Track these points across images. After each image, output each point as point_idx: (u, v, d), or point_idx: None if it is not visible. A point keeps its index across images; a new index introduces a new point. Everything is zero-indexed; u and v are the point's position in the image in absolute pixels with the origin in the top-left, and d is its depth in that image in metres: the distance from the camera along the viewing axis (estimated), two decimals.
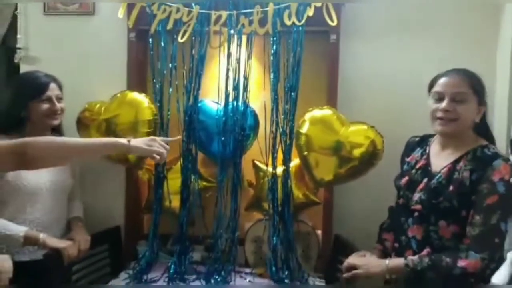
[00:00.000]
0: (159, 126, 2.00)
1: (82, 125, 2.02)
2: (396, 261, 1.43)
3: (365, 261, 1.50)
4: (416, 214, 1.43)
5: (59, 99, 1.88)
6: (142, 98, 1.97)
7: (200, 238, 2.11)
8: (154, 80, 2.04)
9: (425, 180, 1.44)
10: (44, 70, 1.90)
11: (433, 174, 1.44)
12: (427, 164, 1.48)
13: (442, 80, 1.43)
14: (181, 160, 2.03)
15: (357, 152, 1.83)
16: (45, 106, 1.84)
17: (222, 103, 1.99)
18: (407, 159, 1.57)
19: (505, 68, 1.88)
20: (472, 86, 1.39)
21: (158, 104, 2.02)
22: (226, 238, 2.02)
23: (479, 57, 1.97)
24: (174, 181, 2.06)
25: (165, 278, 1.94)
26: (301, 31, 1.92)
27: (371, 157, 1.82)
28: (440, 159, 1.46)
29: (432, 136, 1.54)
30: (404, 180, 1.51)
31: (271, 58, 1.96)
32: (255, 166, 2.09)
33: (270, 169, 1.99)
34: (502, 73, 1.91)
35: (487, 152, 1.37)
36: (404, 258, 1.41)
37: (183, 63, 2.01)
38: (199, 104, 2.02)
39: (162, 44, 2.01)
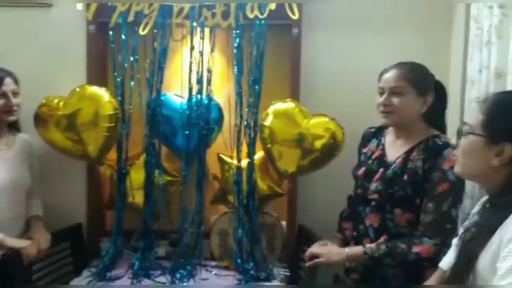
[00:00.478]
0: (120, 121, 1.96)
1: (40, 121, 1.96)
2: (355, 249, 1.47)
3: (326, 250, 1.54)
4: (373, 203, 1.48)
5: (15, 94, 1.82)
6: (102, 92, 1.93)
7: (165, 233, 2.10)
8: (115, 74, 2.00)
9: (381, 170, 1.49)
10: None
11: (389, 164, 1.48)
12: (383, 154, 1.53)
13: (384, 76, 1.49)
14: (145, 155, 2.00)
15: (318, 144, 1.86)
16: (0, 101, 1.77)
17: (186, 97, 1.97)
18: (364, 150, 1.61)
19: (457, 63, 1.96)
20: (408, 79, 1.44)
21: (120, 98, 1.98)
22: (191, 232, 2.01)
23: (433, 52, 2.04)
24: (137, 176, 2.04)
25: (129, 274, 1.91)
26: (264, 25, 1.93)
27: (332, 148, 1.86)
28: (394, 149, 1.51)
29: (387, 127, 1.59)
30: (361, 170, 1.55)
31: (234, 51, 1.96)
32: (220, 159, 2.10)
33: (235, 162, 2.00)
34: (455, 68, 1.99)
35: (438, 142, 1.43)
36: (363, 246, 1.46)
37: (145, 56, 1.98)
38: (162, 98, 1.99)
39: (123, 36, 1.97)
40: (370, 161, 1.54)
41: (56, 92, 2.00)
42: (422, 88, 1.46)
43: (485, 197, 1.05)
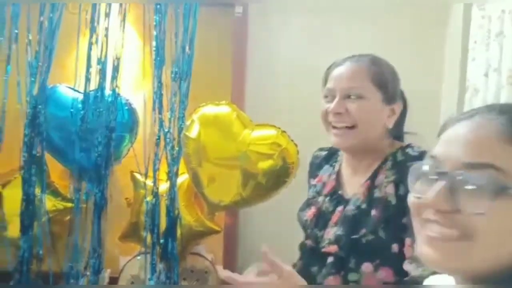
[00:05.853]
0: None
1: None
2: None
3: None
4: (330, 259, 0.97)
5: None
6: None
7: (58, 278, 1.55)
8: None
9: (339, 208, 0.99)
10: None
11: (348, 198, 0.99)
12: (338, 186, 1.03)
13: (334, 72, 0.99)
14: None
15: (262, 165, 1.35)
16: None
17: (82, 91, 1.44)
18: (313, 182, 1.11)
19: (453, 64, 1.49)
20: (372, 77, 0.96)
21: None
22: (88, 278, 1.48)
23: (422, 49, 1.60)
24: (13, 199, 1.49)
25: None
26: None
27: (281, 172, 1.35)
28: (354, 177, 1.02)
29: None
30: (311, 212, 1.05)
31: (154, 33, 1.43)
32: (133, 179, 1.57)
33: (150, 183, 1.47)
34: (450, 70, 1.52)
35: (411, 153, 0.96)
36: None
37: (29, 33, 1.43)
38: (50, 91, 1.47)
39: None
40: (321, 198, 1.04)
41: None
42: (391, 92, 0.98)
43: None
